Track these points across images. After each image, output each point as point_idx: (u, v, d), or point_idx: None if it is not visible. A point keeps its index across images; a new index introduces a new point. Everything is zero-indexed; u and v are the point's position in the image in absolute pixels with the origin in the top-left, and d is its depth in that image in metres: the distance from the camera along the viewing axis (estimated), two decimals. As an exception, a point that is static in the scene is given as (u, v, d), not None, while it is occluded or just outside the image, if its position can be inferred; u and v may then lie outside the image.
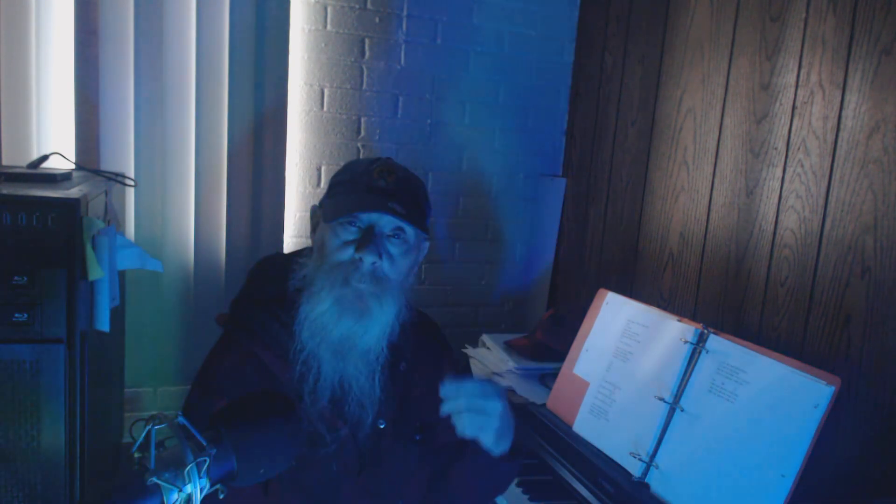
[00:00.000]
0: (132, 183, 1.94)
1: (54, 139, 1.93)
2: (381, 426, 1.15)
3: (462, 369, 1.35)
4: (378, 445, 1.16)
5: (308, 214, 2.27)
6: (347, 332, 1.08)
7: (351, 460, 1.13)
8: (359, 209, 1.09)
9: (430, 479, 1.26)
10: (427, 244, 1.21)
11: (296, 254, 1.22)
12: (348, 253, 1.08)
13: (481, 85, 2.43)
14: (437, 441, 1.25)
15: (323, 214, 1.14)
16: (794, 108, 1.58)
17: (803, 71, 1.56)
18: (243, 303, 1.18)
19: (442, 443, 1.26)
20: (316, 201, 2.33)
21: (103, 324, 1.42)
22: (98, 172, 1.73)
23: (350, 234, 1.09)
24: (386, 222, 1.09)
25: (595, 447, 1.57)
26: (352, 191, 1.11)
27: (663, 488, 1.39)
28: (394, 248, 1.11)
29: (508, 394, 1.89)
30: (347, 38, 2.24)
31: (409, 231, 1.11)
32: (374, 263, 1.08)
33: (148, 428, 0.68)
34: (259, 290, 1.19)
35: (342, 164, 2.34)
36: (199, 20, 2.00)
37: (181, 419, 0.73)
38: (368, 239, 1.07)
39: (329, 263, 1.09)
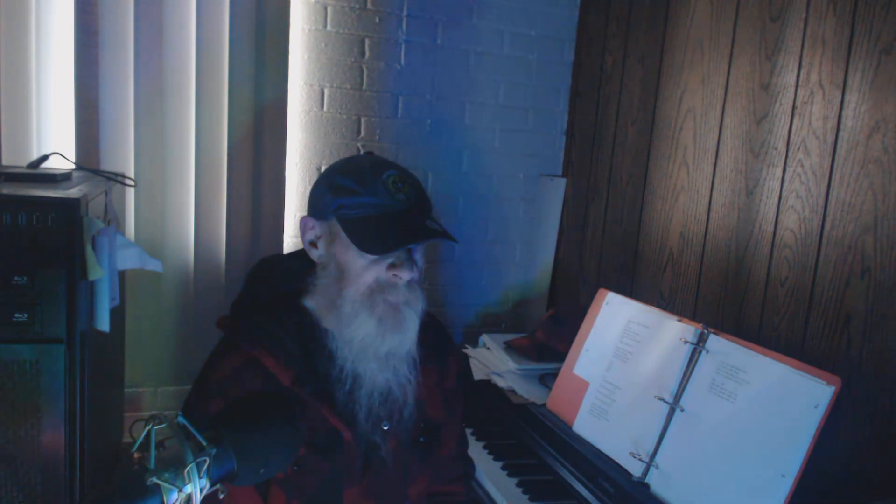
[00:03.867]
0: (132, 183, 1.94)
1: (54, 139, 1.93)
2: (385, 428, 1.15)
3: (465, 370, 1.35)
4: (382, 447, 1.16)
5: (308, 214, 2.27)
6: (393, 346, 1.10)
7: (355, 465, 1.13)
8: (407, 243, 1.06)
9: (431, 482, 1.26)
10: None
11: (294, 255, 1.21)
12: (379, 272, 1.07)
13: (481, 85, 2.43)
14: (441, 443, 1.25)
15: (357, 244, 1.06)
16: (794, 108, 1.58)
17: (803, 71, 1.56)
18: (244, 306, 1.17)
19: (443, 452, 1.26)
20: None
21: (103, 324, 1.42)
22: (98, 172, 1.73)
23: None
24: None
25: (595, 447, 1.57)
26: (376, 211, 1.06)
27: (663, 488, 1.39)
28: (417, 255, 1.12)
29: (508, 393, 1.89)
30: (347, 38, 2.24)
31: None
32: (410, 278, 1.09)
33: (148, 428, 0.68)
34: (259, 293, 1.18)
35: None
36: (199, 20, 2.00)
37: (181, 419, 0.73)
38: (407, 257, 1.08)
39: (361, 284, 1.08)
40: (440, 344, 1.29)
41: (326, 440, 1.10)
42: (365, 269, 1.07)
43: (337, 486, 1.12)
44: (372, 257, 1.06)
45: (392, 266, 1.07)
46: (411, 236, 1.06)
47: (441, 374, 1.26)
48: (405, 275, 1.07)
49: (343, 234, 1.07)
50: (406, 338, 1.11)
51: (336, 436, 1.11)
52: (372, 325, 1.07)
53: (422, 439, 1.20)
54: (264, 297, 1.16)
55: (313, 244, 1.13)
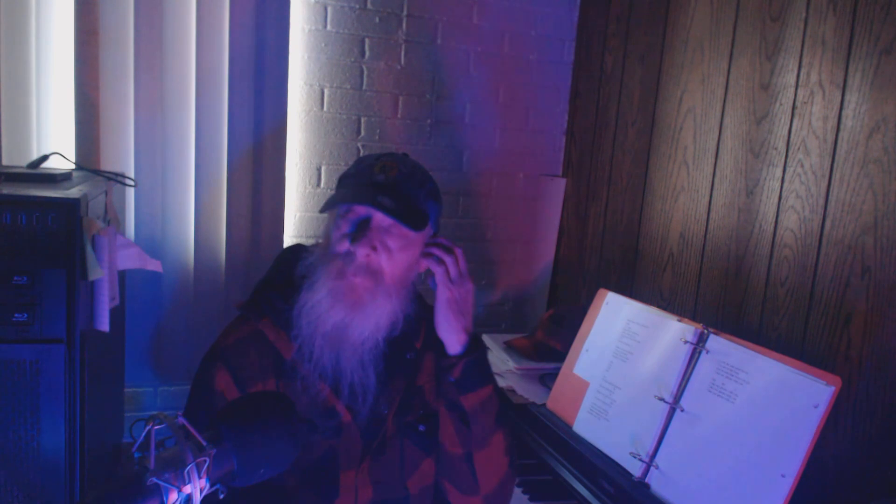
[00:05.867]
0: (132, 183, 1.94)
1: (54, 139, 1.93)
2: (384, 412, 1.16)
3: None
4: (381, 433, 1.16)
5: (308, 215, 2.28)
6: (339, 321, 1.10)
7: (353, 447, 1.14)
8: (347, 201, 1.11)
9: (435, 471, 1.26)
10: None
11: (316, 245, 1.25)
12: (345, 245, 1.10)
13: (481, 85, 2.43)
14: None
15: (323, 206, 1.17)
16: (794, 108, 1.58)
17: (803, 71, 1.56)
18: (260, 287, 1.23)
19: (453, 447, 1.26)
20: (316, 201, 2.34)
21: (103, 324, 1.42)
22: (98, 172, 1.73)
23: (348, 226, 1.11)
24: (382, 216, 1.10)
25: (595, 447, 1.57)
26: (351, 184, 1.14)
27: (663, 488, 1.39)
28: (392, 242, 1.11)
29: (508, 393, 1.89)
30: (347, 38, 2.24)
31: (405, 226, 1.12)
32: (367, 256, 1.09)
33: (148, 428, 0.68)
34: (276, 276, 1.23)
35: (342, 164, 2.36)
36: (199, 20, 2.00)
37: (181, 419, 0.73)
38: (362, 232, 1.09)
39: (328, 254, 1.12)
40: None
41: (324, 418, 1.12)
42: (336, 242, 1.12)
43: (334, 465, 1.13)
44: (343, 230, 1.11)
45: (352, 240, 1.09)
46: (351, 199, 1.11)
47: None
48: (360, 250, 1.08)
49: None
50: (359, 322, 1.10)
51: (334, 415, 1.12)
52: (323, 293, 1.10)
53: (421, 427, 1.21)
54: (279, 280, 1.21)
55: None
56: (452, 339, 1.17)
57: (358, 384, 1.13)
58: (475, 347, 1.19)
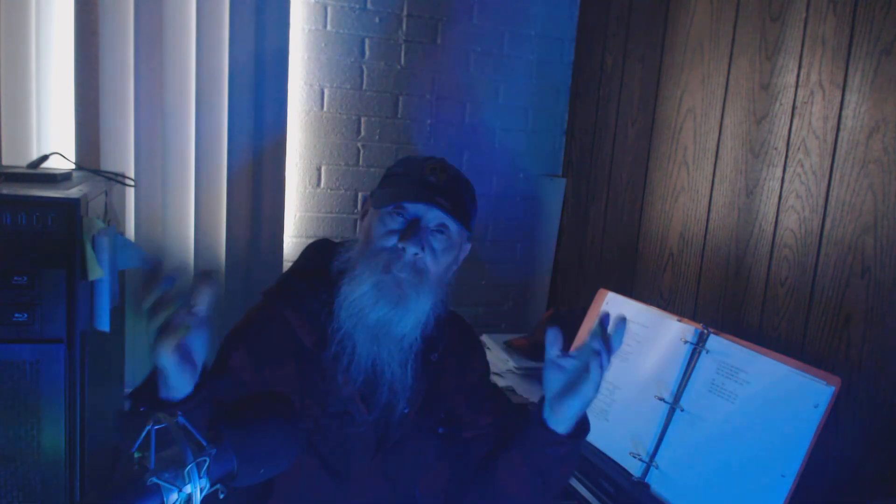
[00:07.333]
0: (132, 183, 1.94)
1: (54, 139, 1.93)
2: (405, 411, 1.17)
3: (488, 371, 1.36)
4: (399, 430, 1.18)
5: (308, 215, 2.28)
6: (383, 316, 1.11)
7: (370, 439, 1.15)
8: (406, 199, 1.13)
9: (462, 472, 1.25)
10: (468, 246, 1.25)
11: (343, 241, 1.27)
12: (392, 241, 1.12)
13: (481, 85, 2.43)
14: (463, 436, 1.25)
15: (373, 201, 1.19)
16: (794, 108, 1.58)
17: (803, 71, 1.56)
18: (287, 275, 1.25)
19: (469, 436, 1.26)
20: (316, 201, 2.34)
21: (103, 324, 1.42)
22: (98, 172, 1.73)
23: (396, 223, 1.13)
24: (432, 217, 1.13)
25: (595, 447, 1.57)
26: (403, 182, 1.15)
27: (663, 488, 1.39)
28: (437, 243, 1.14)
29: (508, 393, 1.89)
30: (347, 38, 2.24)
31: (453, 228, 1.15)
32: (415, 254, 1.11)
33: (148, 428, 0.68)
34: (304, 266, 1.25)
35: (342, 164, 2.36)
36: (199, 20, 2.00)
37: (181, 419, 0.73)
38: (413, 231, 1.11)
39: (373, 249, 1.13)
40: (463, 339, 1.32)
41: (342, 408, 1.13)
42: (381, 237, 1.13)
43: (346, 454, 1.14)
44: (390, 226, 1.12)
45: (402, 238, 1.11)
46: (411, 197, 1.12)
47: (463, 369, 1.28)
48: (410, 247, 1.10)
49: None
50: (401, 318, 1.12)
51: (351, 406, 1.13)
52: (368, 287, 1.11)
53: (441, 430, 1.22)
54: (307, 271, 1.22)
55: (363, 217, 1.23)
56: (570, 418, 1.10)
57: (396, 381, 1.14)
58: (584, 427, 1.15)
